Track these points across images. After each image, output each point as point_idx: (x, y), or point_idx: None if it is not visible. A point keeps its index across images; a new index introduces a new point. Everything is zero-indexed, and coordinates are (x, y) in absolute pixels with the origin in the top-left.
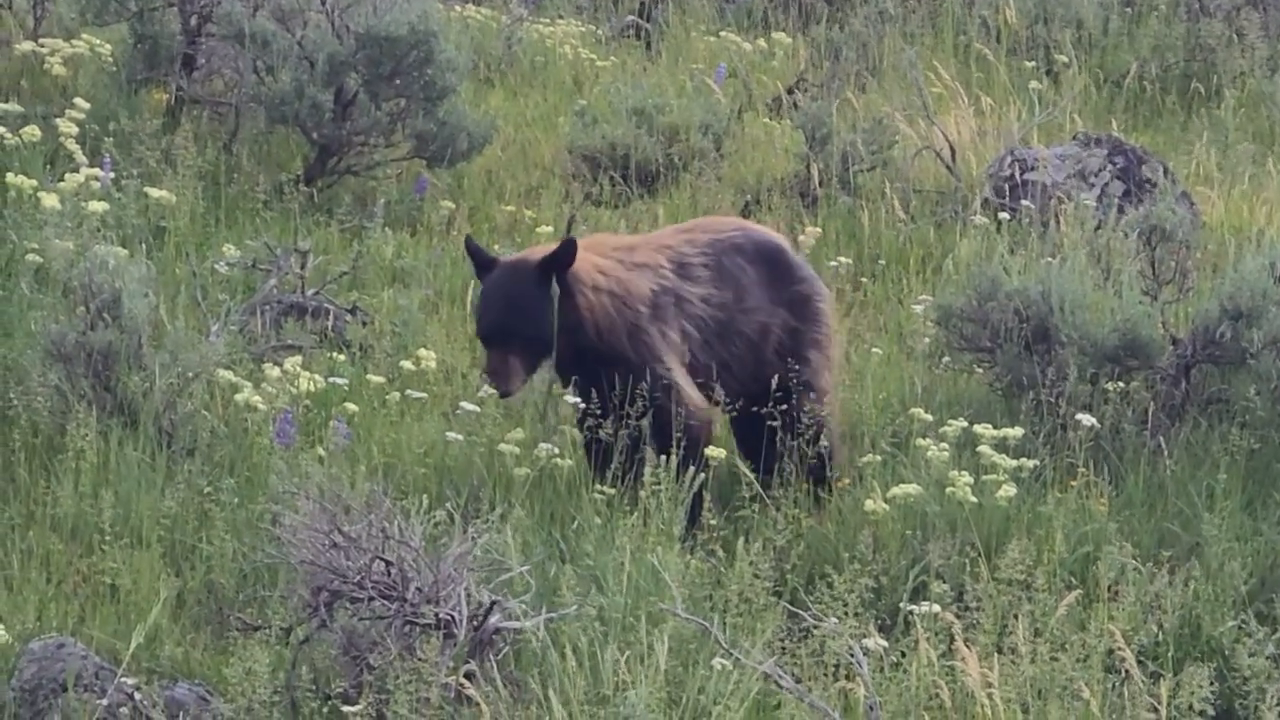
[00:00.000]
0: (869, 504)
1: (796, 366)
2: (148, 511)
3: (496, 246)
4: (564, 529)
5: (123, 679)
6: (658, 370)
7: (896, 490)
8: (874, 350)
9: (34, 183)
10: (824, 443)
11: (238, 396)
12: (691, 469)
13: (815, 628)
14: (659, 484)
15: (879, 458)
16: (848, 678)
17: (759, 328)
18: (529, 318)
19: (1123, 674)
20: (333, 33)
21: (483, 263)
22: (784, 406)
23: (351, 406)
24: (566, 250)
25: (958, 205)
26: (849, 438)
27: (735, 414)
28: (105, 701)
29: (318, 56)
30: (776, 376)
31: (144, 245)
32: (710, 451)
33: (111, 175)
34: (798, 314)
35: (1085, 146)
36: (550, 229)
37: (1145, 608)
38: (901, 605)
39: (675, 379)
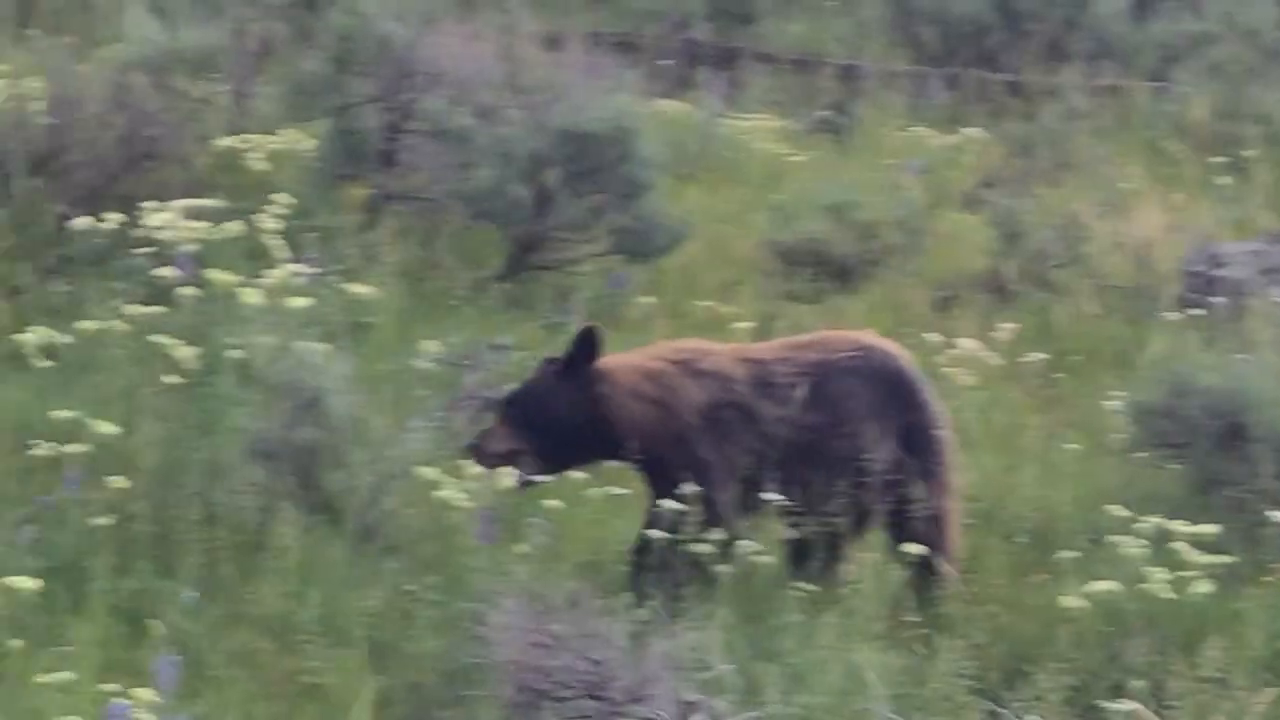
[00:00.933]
0: (1066, 600)
1: (903, 493)
2: (351, 610)
3: None
4: (765, 626)
5: None
6: (698, 480)
7: (1093, 587)
8: (1069, 446)
9: (236, 278)
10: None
11: (439, 493)
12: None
13: None
14: (860, 581)
15: (1076, 554)
16: None
17: (864, 453)
18: (538, 408)
19: None
20: (532, 129)
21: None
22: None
23: (553, 503)
24: (581, 345)
25: (1149, 301)
26: (1042, 533)
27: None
28: None
29: (518, 153)
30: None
31: (346, 342)
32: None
33: (314, 271)
34: (911, 444)
35: (1274, 242)
36: (748, 325)
37: None
38: (1100, 702)
39: (714, 494)
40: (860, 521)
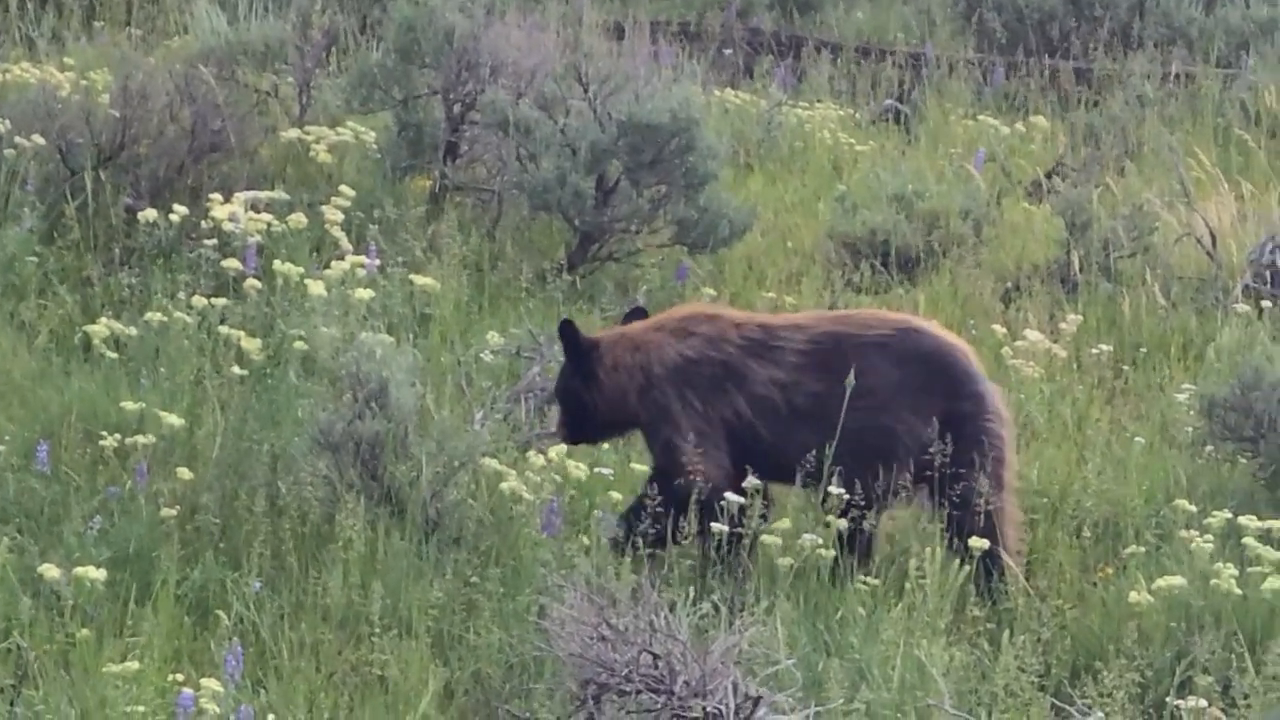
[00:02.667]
0: (1133, 596)
1: (950, 485)
2: (416, 601)
3: None
4: (828, 620)
5: None
6: (663, 430)
7: (1161, 582)
8: (1136, 439)
9: (300, 270)
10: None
11: (503, 485)
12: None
13: None
14: (924, 575)
15: (1143, 549)
16: None
17: (883, 431)
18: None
19: None
20: (595, 120)
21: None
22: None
23: (616, 495)
24: (562, 339)
25: (1219, 292)
26: (1109, 527)
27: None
28: None
29: (580, 144)
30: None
31: (410, 333)
32: (713, 526)
33: (377, 263)
34: (958, 433)
35: None
36: None
37: None
38: (1167, 699)
39: (677, 441)
40: (884, 497)
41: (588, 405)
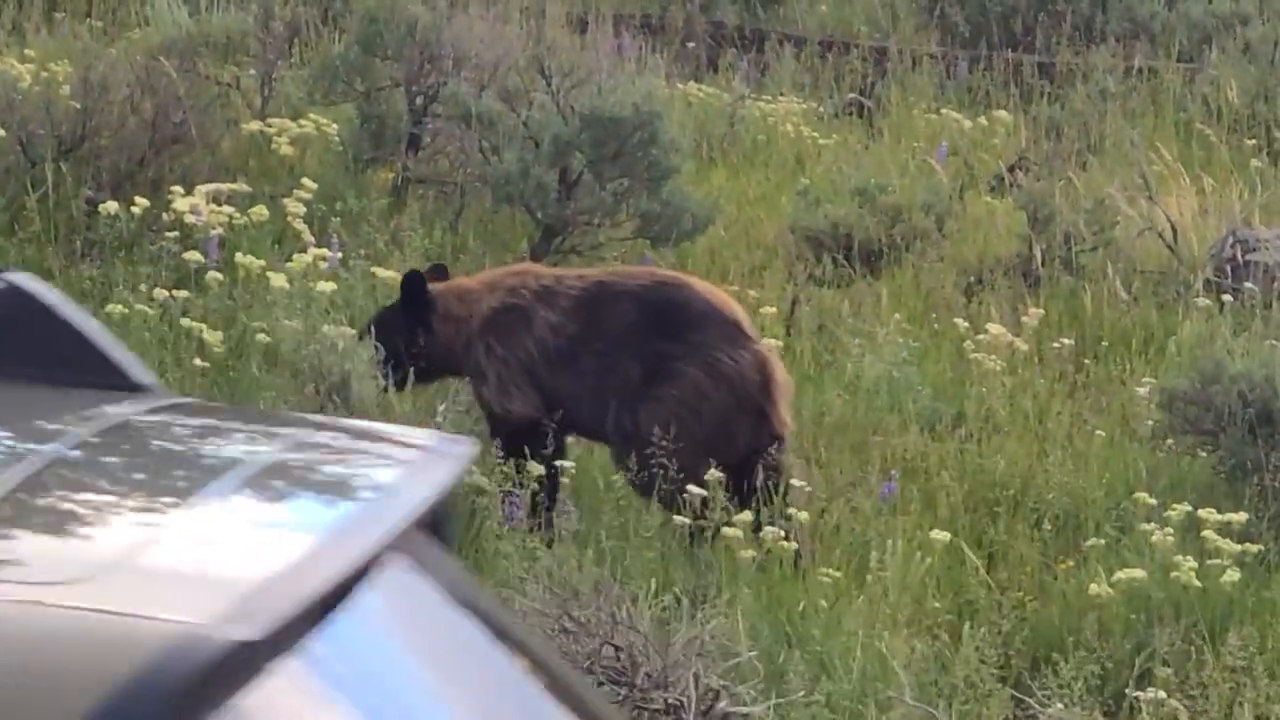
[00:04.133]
0: (1093, 588)
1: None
2: None
3: None
4: (790, 613)
5: None
6: (476, 381)
7: (1121, 575)
8: (1097, 433)
9: (262, 263)
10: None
11: (466, 480)
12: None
13: (1041, 713)
14: (885, 568)
15: (1103, 541)
16: None
17: (607, 371)
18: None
19: None
20: (558, 113)
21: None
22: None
23: (577, 488)
24: (405, 289)
25: (1180, 286)
26: (1069, 520)
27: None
28: None
29: (543, 137)
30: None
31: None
32: (562, 462)
33: (339, 255)
34: (658, 370)
35: None
36: (774, 309)
37: None
38: (1127, 691)
39: (486, 384)
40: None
41: (418, 352)
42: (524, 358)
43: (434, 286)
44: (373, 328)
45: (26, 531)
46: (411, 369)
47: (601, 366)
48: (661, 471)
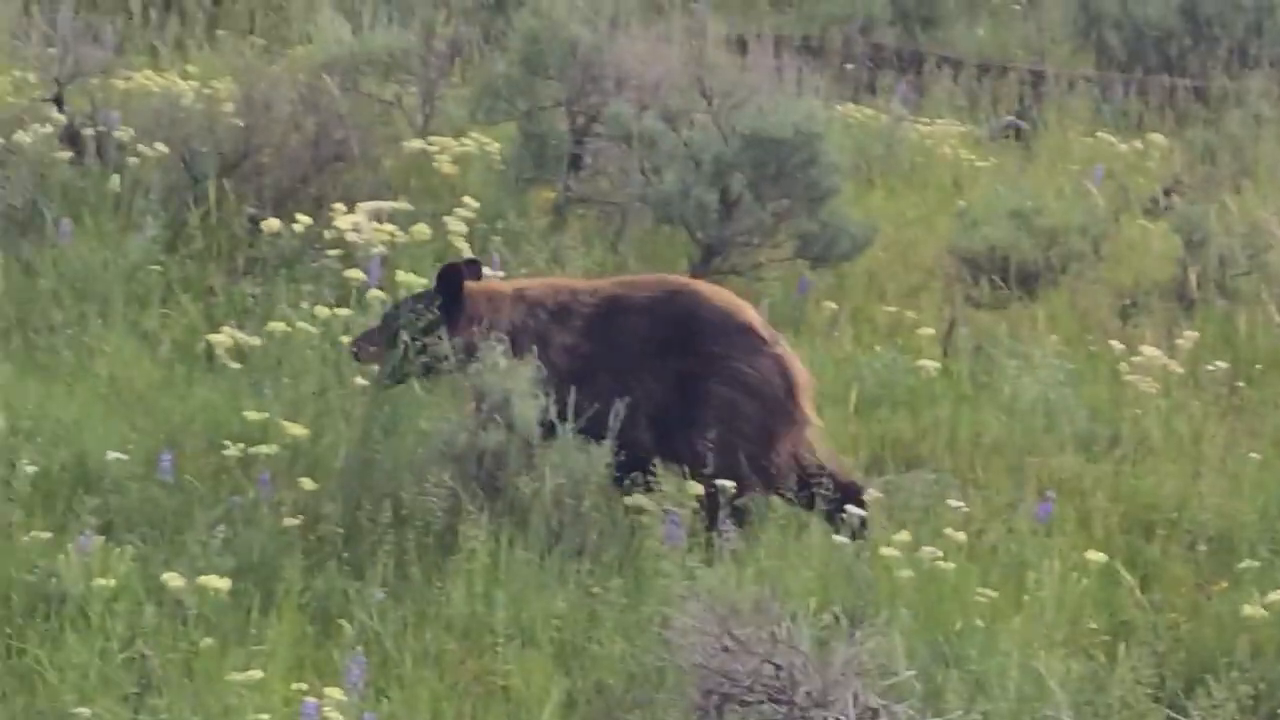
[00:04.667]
0: (1246, 609)
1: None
2: (538, 612)
3: (878, 348)
4: (947, 632)
5: None
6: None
7: (1274, 596)
8: (1252, 455)
9: (425, 281)
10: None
11: (626, 498)
12: None
13: None
14: (1042, 588)
15: (1257, 563)
16: None
17: (623, 387)
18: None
19: None
20: (718, 133)
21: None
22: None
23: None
24: (443, 281)
25: None
26: (1223, 541)
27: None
28: None
29: (703, 157)
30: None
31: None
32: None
33: (501, 274)
34: (687, 388)
35: None
36: (931, 331)
37: None
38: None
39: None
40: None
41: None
42: (541, 378)
43: (470, 285)
44: (397, 311)
45: None
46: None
47: (622, 385)
48: (725, 492)
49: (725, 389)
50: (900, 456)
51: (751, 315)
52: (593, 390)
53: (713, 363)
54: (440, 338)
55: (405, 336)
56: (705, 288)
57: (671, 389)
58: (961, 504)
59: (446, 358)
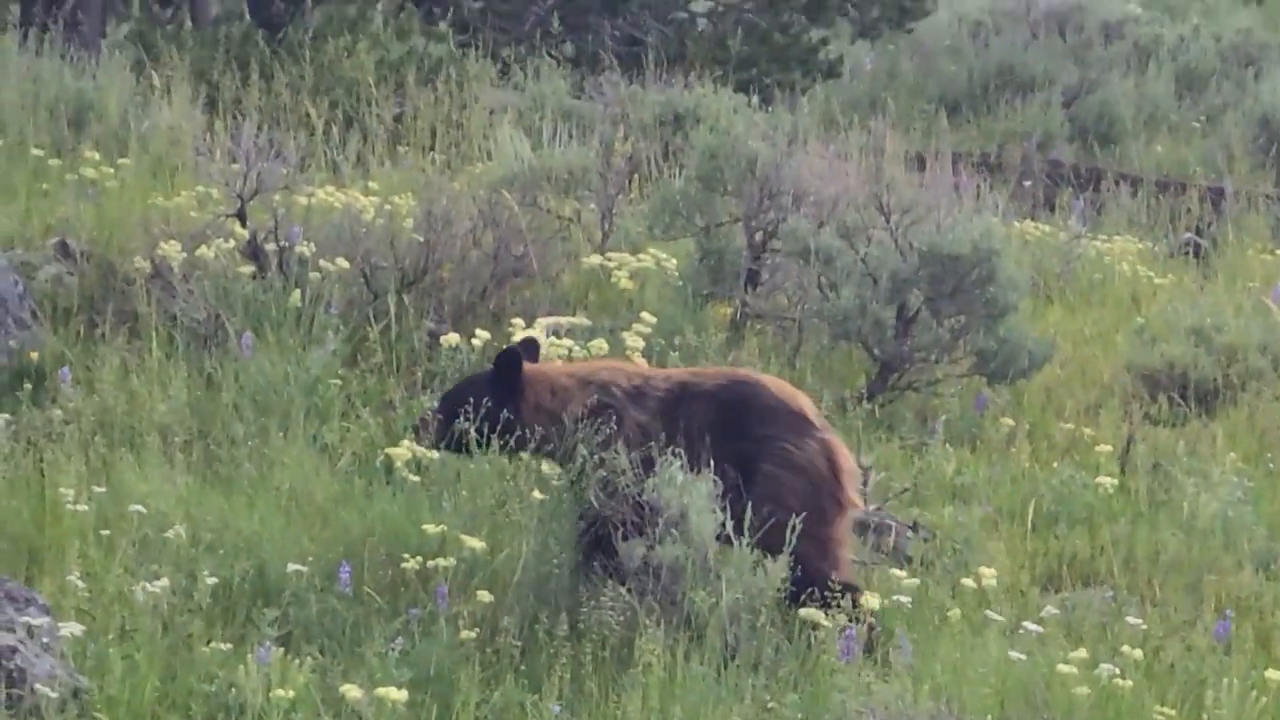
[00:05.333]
0: None
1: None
2: None
3: (1055, 465)
4: None
5: None
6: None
7: None
8: None
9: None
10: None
11: (801, 612)
12: None
13: None
14: (1220, 706)
15: None
16: None
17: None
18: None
19: None
20: (896, 249)
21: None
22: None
23: (911, 621)
24: (503, 365)
25: None
26: None
27: None
28: None
29: (881, 273)
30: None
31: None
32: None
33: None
34: (742, 469)
35: None
36: (1109, 447)
37: None
38: None
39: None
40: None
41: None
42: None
43: (528, 368)
44: (456, 393)
45: None
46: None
47: (687, 467)
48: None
49: (772, 466)
50: (1077, 573)
51: (806, 404)
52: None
53: (763, 443)
54: (503, 417)
55: (463, 416)
56: (767, 378)
57: (727, 470)
58: (1139, 621)
59: (520, 438)
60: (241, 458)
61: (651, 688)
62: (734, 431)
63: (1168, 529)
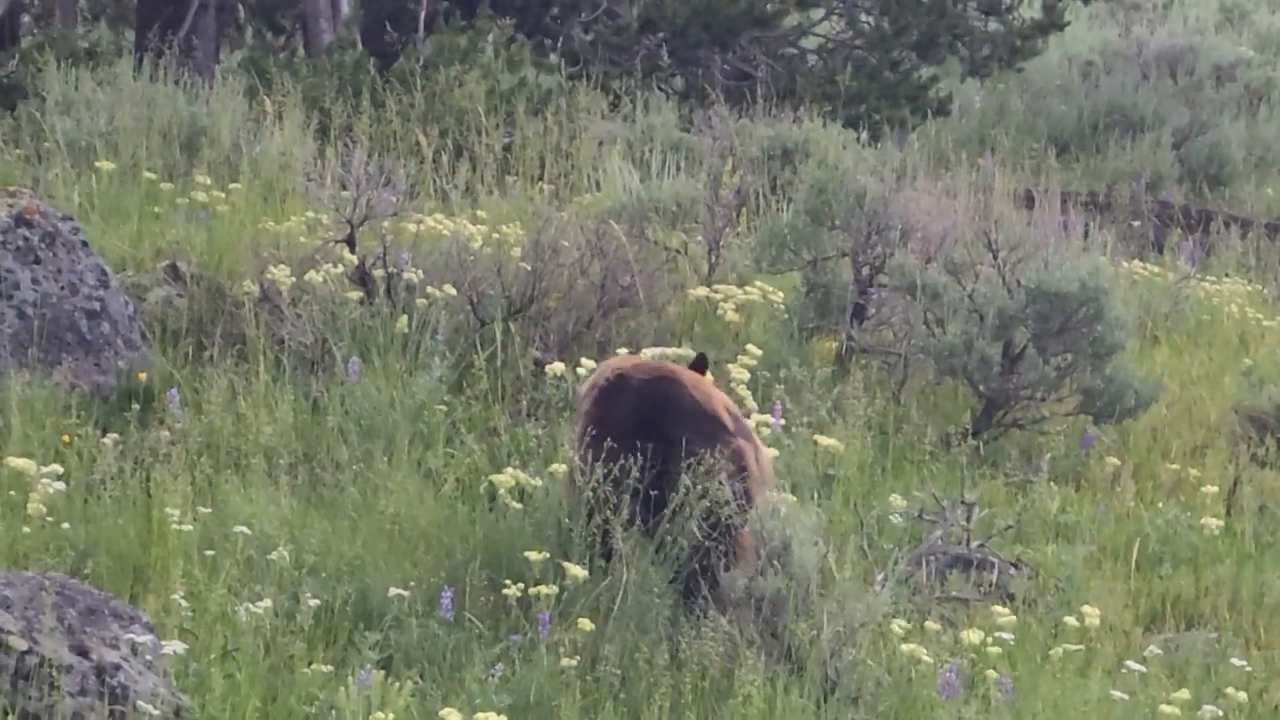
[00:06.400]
0: None
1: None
2: None
3: (1160, 505)
4: None
5: None
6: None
7: None
8: None
9: None
10: None
11: (903, 646)
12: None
13: None
14: None
15: None
16: None
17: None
18: None
19: None
20: (1003, 287)
21: None
22: None
23: (1013, 658)
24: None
25: None
26: None
27: None
28: None
29: (988, 310)
30: None
31: (813, 493)
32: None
33: (782, 422)
34: (658, 468)
35: None
36: (1215, 489)
37: None
38: None
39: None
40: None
41: None
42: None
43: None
44: None
45: None
46: None
47: (614, 458)
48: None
49: (680, 471)
50: (1181, 614)
51: (721, 406)
52: (599, 458)
53: (673, 447)
54: None
55: None
56: (687, 376)
57: (644, 466)
58: (1243, 663)
59: None
60: (346, 482)
61: (752, 718)
62: (650, 430)
63: (1274, 571)
